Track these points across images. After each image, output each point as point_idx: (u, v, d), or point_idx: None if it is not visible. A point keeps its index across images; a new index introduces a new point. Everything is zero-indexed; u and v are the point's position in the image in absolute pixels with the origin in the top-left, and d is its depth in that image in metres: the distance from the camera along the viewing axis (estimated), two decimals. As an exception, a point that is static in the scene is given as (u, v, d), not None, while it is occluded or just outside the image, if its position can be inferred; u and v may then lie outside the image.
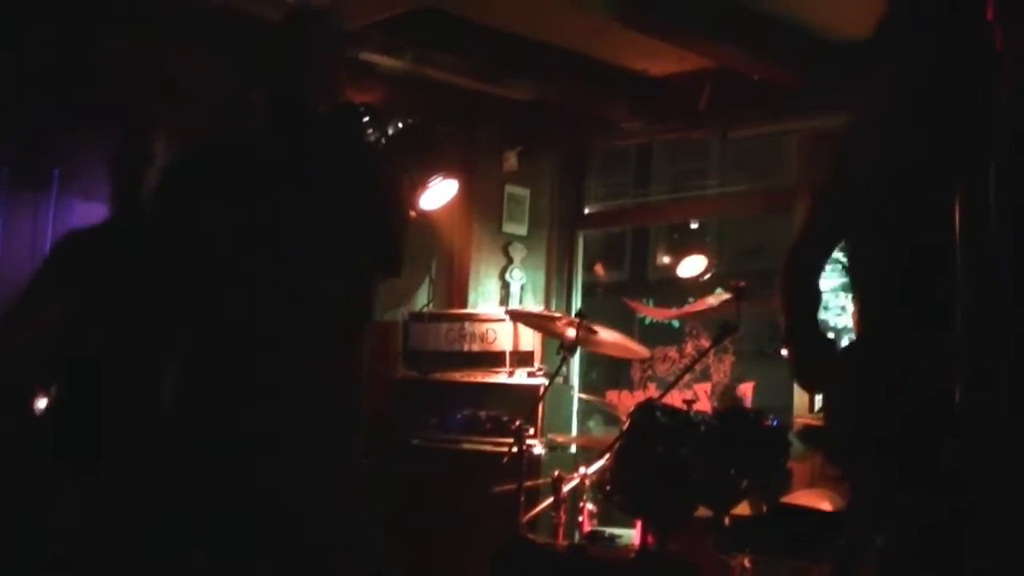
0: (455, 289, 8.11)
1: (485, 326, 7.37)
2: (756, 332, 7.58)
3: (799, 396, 7.02)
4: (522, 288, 8.18)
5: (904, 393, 2.68)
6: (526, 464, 5.86)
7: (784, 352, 3.27)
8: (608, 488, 5.17)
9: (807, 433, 5.30)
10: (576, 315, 6.08)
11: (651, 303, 8.05)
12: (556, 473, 5.75)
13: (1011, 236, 2.07)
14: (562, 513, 5.70)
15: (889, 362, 2.79)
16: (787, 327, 3.28)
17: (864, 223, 3.08)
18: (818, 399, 6.86)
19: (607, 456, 5.29)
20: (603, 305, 9.19)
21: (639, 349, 6.49)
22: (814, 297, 3.36)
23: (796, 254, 3.42)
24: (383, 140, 4.00)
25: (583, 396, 7.76)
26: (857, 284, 3.20)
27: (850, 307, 6.40)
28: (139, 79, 6.39)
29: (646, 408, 5.26)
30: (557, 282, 8.52)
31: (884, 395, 2.79)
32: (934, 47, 2.71)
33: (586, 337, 6.05)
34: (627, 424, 5.20)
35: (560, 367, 6.28)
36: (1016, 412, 2.46)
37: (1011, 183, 2.05)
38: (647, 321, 8.34)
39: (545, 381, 6.87)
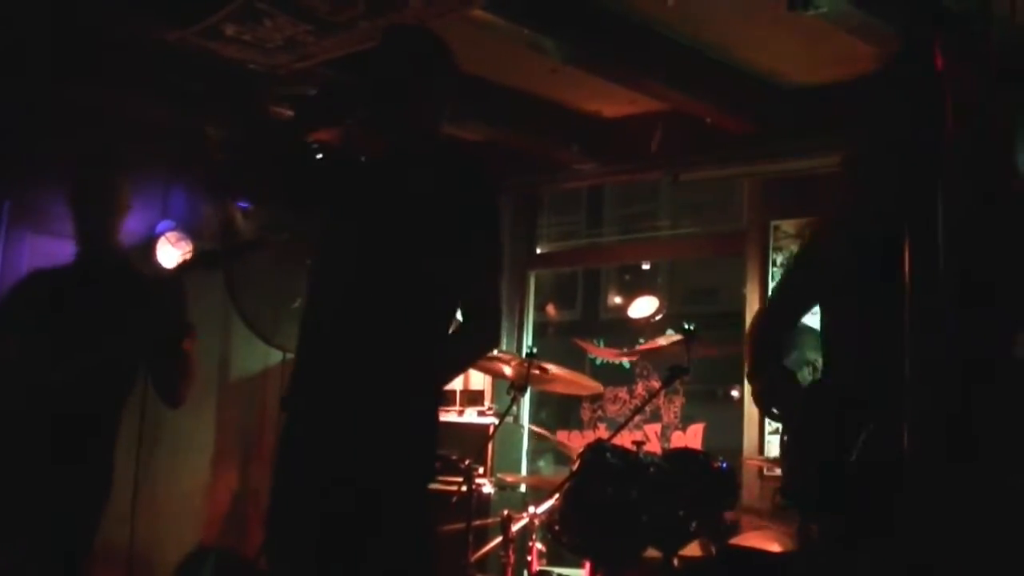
0: (406, 328, 8.08)
1: (435, 365, 7.33)
2: (706, 374, 7.60)
3: (749, 439, 7.05)
4: (473, 327, 8.16)
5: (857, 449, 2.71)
6: (475, 503, 5.85)
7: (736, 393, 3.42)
8: (557, 528, 5.17)
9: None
10: (526, 355, 6.08)
11: (602, 343, 8.06)
12: (505, 512, 5.73)
13: (958, 290, 2.11)
14: (511, 553, 5.68)
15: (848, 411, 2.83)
16: (750, 365, 3.41)
17: (840, 284, 3.18)
18: (768, 443, 6.92)
19: (556, 496, 5.29)
20: (554, 345, 9.19)
21: (591, 384, 6.50)
22: (775, 346, 3.50)
23: (764, 319, 3.58)
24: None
25: (534, 428, 7.75)
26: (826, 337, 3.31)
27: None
28: (97, 115, 6.39)
29: (596, 449, 5.26)
30: (508, 322, 8.51)
31: (837, 446, 2.83)
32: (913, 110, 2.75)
33: (536, 376, 6.05)
34: (577, 464, 5.20)
35: (510, 406, 6.28)
36: (959, 460, 2.49)
37: (957, 236, 2.09)
38: (598, 362, 8.34)
39: (495, 420, 6.87)
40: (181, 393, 4.73)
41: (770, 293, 6.96)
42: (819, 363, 5.38)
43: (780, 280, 3.83)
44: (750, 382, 3.56)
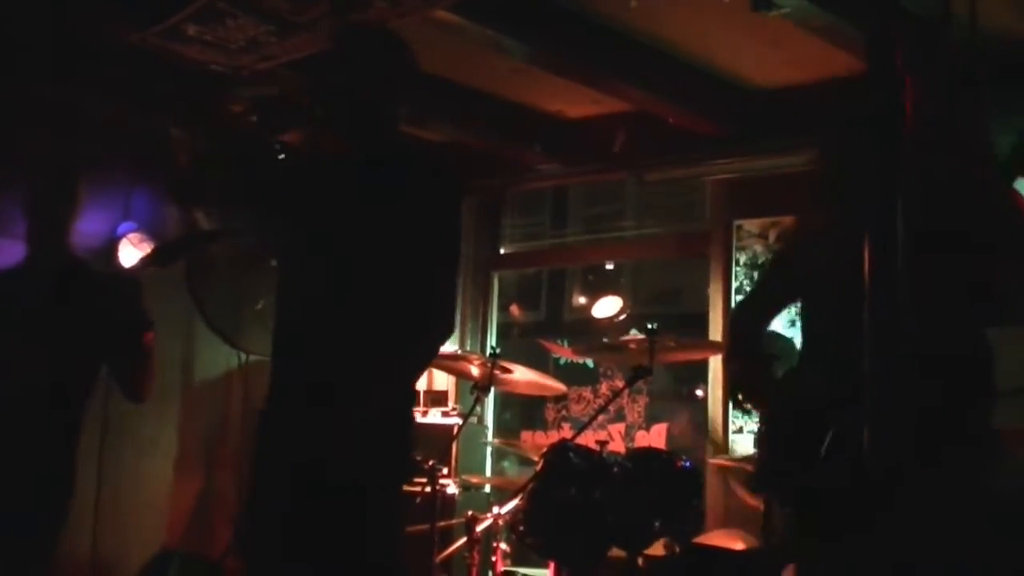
0: (370, 329, 8.06)
1: (399, 366, 7.32)
2: (671, 374, 7.64)
3: (713, 438, 7.07)
4: (437, 328, 8.14)
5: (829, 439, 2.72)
6: (440, 504, 5.85)
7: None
8: (521, 529, 5.16)
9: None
10: (490, 355, 6.08)
11: (566, 344, 8.06)
12: (470, 513, 5.73)
13: (914, 286, 2.12)
14: (476, 553, 5.68)
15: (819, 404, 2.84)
16: (727, 352, 3.46)
17: (817, 288, 3.20)
18: (732, 442, 6.94)
19: (520, 496, 5.29)
20: (518, 346, 9.18)
21: (555, 385, 6.50)
22: (756, 336, 3.53)
23: (741, 312, 3.62)
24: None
25: (495, 441, 7.76)
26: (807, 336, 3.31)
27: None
28: (58, 116, 6.35)
29: (559, 449, 5.27)
30: (472, 322, 8.51)
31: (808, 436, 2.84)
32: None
33: (499, 377, 6.05)
34: (540, 465, 5.21)
35: (474, 407, 6.28)
36: (922, 459, 2.51)
37: (915, 233, 2.10)
38: (562, 362, 8.34)
39: (459, 421, 6.87)
40: (143, 389, 4.73)
41: (752, 286, 6.97)
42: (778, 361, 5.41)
43: (759, 277, 3.89)
44: (725, 365, 3.63)
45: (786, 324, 6.15)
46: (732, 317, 3.81)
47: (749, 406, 3.87)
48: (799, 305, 3.58)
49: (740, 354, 3.63)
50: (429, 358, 3.78)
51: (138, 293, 4.81)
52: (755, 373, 3.52)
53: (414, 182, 3.58)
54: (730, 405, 6.92)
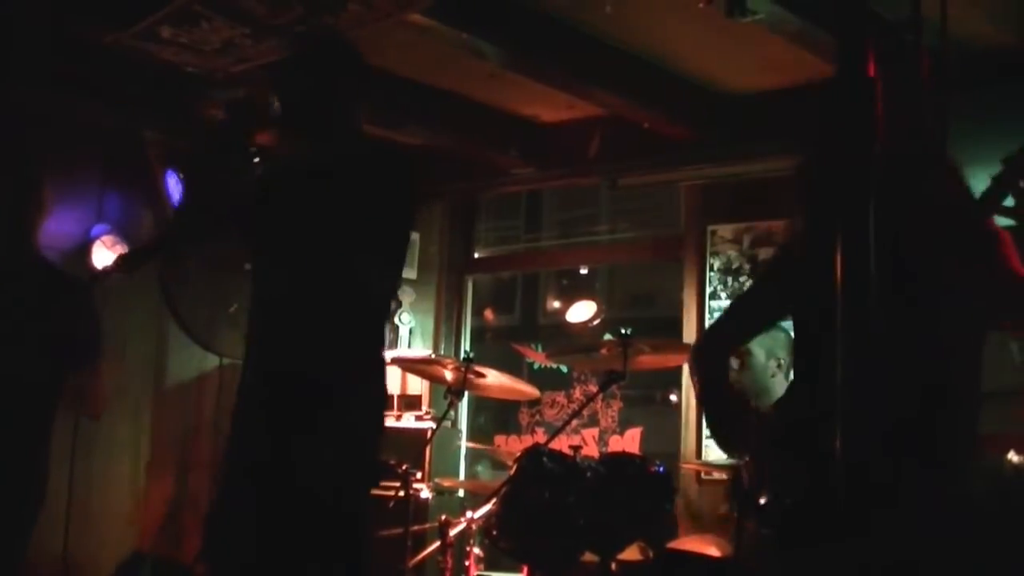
0: (343, 332, 8.04)
1: (373, 369, 7.31)
2: (644, 378, 7.64)
3: (686, 442, 7.08)
4: (411, 332, 8.16)
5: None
6: (413, 508, 5.83)
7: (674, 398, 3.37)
8: (495, 533, 5.16)
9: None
10: (463, 359, 6.08)
11: (540, 348, 8.07)
12: (443, 517, 5.72)
13: (887, 288, 2.12)
14: (449, 558, 5.67)
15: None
16: (699, 396, 3.37)
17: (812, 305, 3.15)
18: (706, 447, 6.94)
19: (494, 501, 5.29)
20: (492, 350, 9.18)
21: (528, 389, 6.51)
22: (723, 369, 3.45)
23: (710, 337, 3.54)
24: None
25: (470, 445, 7.76)
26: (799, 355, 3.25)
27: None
28: (32, 117, 6.33)
29: (533, 453, 5.26)
30: (446, 326, 8.50)
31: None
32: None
33: (472, 381, 6.05)
34: (514, 469, 5.20)
35: (447, 411, 6.27)
36: (898, 461, 2.51)
37: (886, 238, 2.10)
38: (536, 366, 8.35)
39: (432, 425, 6.86)
40: (93, 405, 4.70)
41: (728, 307, 6.87)
42: (784, 361, 5.39)
43: (743, 295, 3.69)
44: (705, 416, 3.49)
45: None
46: (702, 347, 3.59)
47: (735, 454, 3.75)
48: (793, 325, 3.47)
49: (714, 401, 3.41)
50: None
51: (89, 308, 4.72)
52: (735, 424, 3.40)
53: (370, 180, 3.62)
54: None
